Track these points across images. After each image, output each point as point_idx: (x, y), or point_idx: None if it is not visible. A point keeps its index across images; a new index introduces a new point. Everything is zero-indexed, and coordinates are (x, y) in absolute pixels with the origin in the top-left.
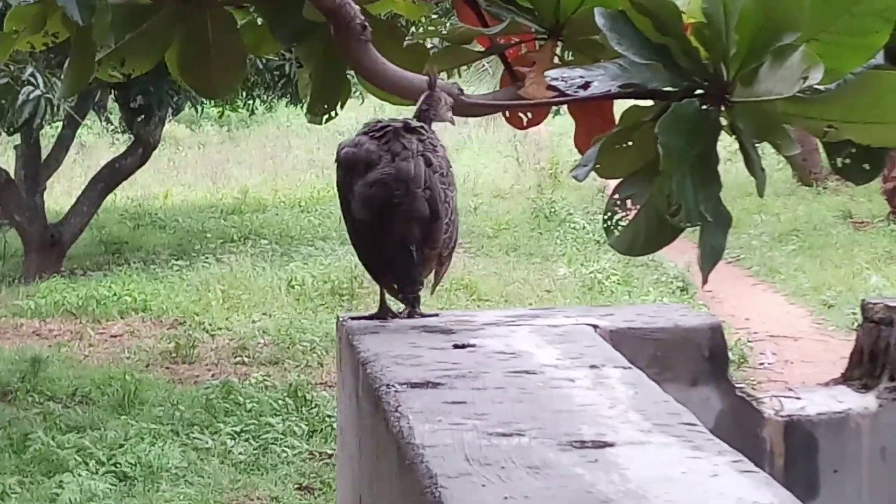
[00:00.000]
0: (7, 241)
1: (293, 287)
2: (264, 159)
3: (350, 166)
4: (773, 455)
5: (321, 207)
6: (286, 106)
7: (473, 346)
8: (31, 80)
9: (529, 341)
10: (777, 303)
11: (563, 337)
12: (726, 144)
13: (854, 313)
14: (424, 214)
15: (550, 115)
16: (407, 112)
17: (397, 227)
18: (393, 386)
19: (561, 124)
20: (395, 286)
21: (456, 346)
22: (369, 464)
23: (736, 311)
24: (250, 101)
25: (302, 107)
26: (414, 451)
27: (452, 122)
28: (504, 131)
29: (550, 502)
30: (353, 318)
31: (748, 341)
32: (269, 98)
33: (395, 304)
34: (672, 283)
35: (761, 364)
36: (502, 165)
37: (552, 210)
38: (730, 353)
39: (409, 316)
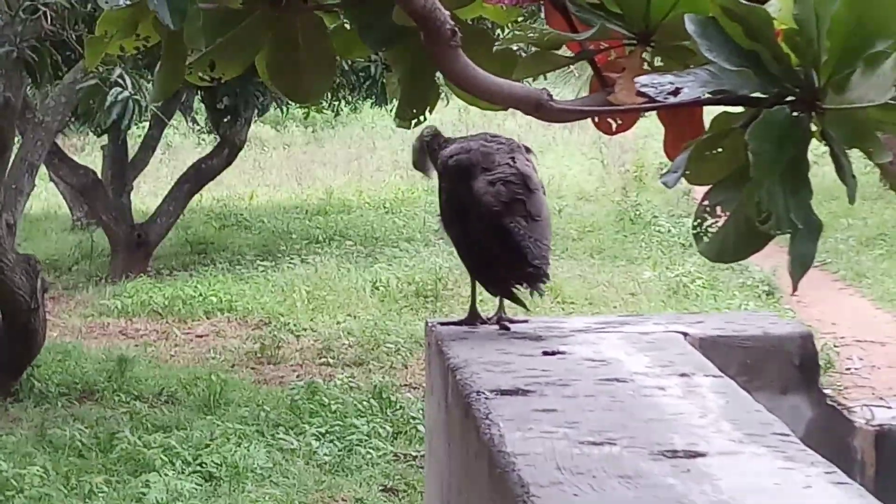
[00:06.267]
0: (94, 240)
1: (378, 288)
2: (349, 160)
3: (464, 170)
4: (865, 465)
5: (406, 209)
6: (371, 107)
7: (563, 352)
8: (120, 81)
9: (619, 349)
10: (864, 307)
11: (652, 344)
12: (812, 148)
13: None
14: (541, 212)
15: None
16: (492, 116)
17: (521, 220)
18: (483, 393)
19: (646, 127)
20: (528, 263)
21: (546, 353)
22: (458, 470)
23: (822, 315)
24: (335, 103)
25: (387, 108)
26: (505, 459)
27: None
28: (589, 133)
29: None
30: (442, 324)
31: (835, 346)
32: (354, 99)
33: (483, 310)
34: (758, 286)
35: (848, 369)
36: (587, 168)
37: (637, 213)
38: None
39: (499, 322)
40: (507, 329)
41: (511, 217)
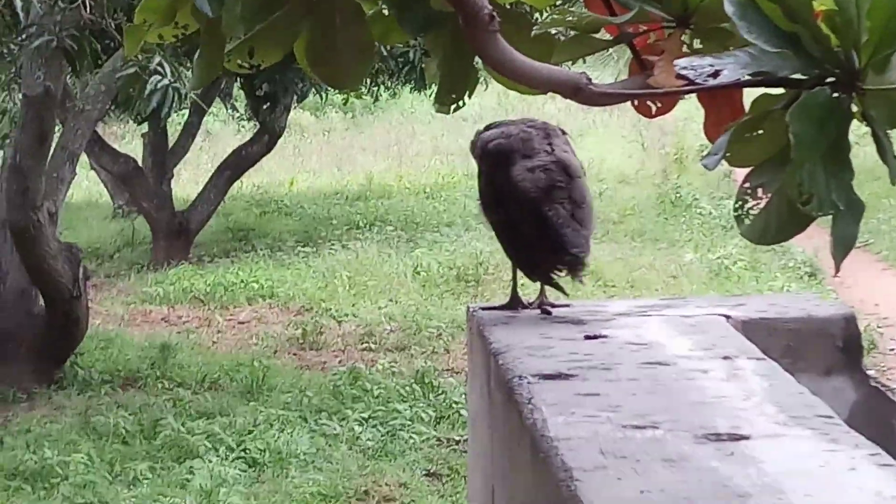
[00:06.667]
0: (135, 228)
1: (419, 273)
2: (389, 146)
3: (503, 154)
4: None
5: (446, 193)
6: (410, 92)
7: (605, 336)
8: (159, 69)
9: (661, 332)
10: None
11: (695, 327)
12: (853, 128)
13: None
14: (584, 199)
15: None
16: (532, 100)
17: (559, 208)
18: (525, 377)
19: (686, 109)
20: (566, 252)
21: (587, 337)
22: (502, 455)
23: (865, 296)
24: (374, 88)
25: (427, 93)
26: (548, 443)
27: None
28: (629, 117)
29: (687, 496)
30: (483, 309)
31: (878, 327)
32: (393, 85)
33: (525, 294)
34: (800, 268)
35: (891, 350)
36: (627, 151)
37: (678, 195)
38: None
39: (540, 306)
40: (549, 313)
41: (550, 204)
